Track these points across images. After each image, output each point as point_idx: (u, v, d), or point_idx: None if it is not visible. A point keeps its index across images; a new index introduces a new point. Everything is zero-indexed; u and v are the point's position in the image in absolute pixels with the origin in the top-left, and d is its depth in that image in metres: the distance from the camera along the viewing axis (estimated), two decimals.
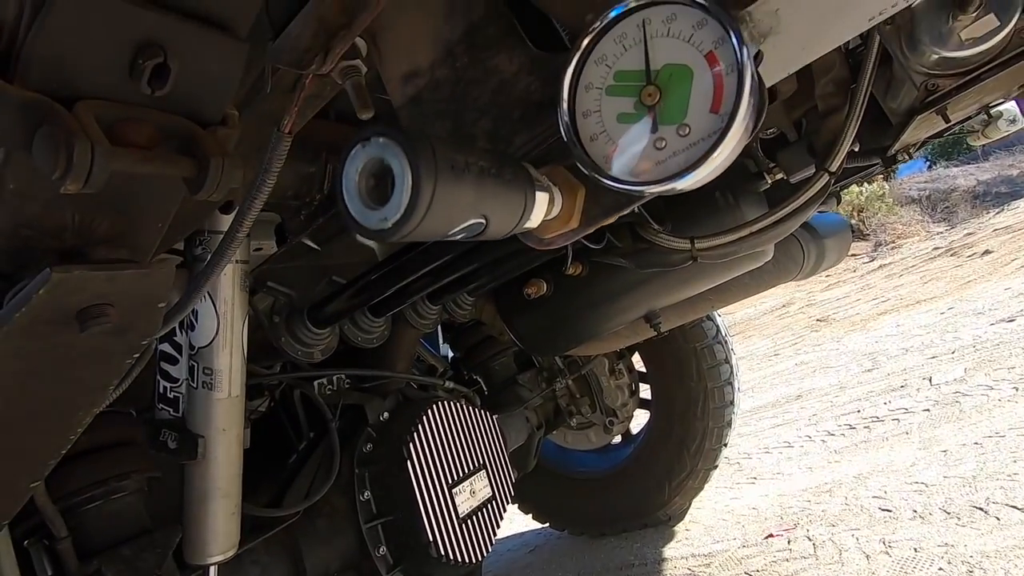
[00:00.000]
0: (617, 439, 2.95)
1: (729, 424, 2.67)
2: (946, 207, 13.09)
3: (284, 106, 0.74)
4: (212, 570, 1.15)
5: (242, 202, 0.64)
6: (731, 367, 2.73)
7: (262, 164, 0.71)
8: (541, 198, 0.36)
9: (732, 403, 2.69)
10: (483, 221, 0.29)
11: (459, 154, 0.26)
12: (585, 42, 0.37)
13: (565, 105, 0.38)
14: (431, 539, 1.48)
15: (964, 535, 1.86)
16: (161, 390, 1.16)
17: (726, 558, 2.29)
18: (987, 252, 7.97)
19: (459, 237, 0.29)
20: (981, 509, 1.98)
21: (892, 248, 11.28)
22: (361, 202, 0.32)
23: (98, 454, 1.16)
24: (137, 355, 0.66)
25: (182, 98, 0.49)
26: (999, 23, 0.85)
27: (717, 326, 2.73)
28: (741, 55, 0.32)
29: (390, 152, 0.24)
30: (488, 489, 1.74)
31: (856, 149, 1.49)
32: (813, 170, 1.13)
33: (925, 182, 15.25)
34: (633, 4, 0.35)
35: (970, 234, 9.83)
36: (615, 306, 1.72)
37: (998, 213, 10.82)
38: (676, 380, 2.70)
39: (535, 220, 0.36)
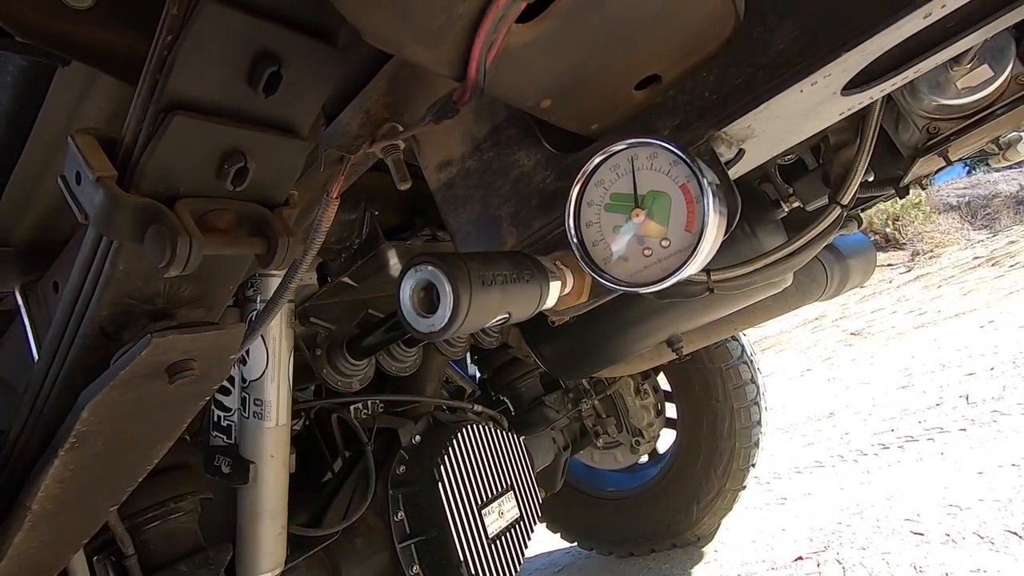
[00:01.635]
0: (644, 458, 2.97)
1: (757, 444, 2.67)
2: (987, 214, 12.65)
3: (331, 174, 0.84)
4: None
5: (294, 259, 0.73)
6: (757, 387, 2.73)
7: (312, 223, 0.81)
8: (554, 286, 0.43)
9: (759, 423, 2.69)
10: (508, 315, 0.37)
11: (488, 269, 0.34)
12: (588, 169, 0.45)
13: (571, 218, 0.46)
14: (462, 559, 1.54)
15: (998, 561, 1.83)
16: (215, 418, 1.26)
17: None
18: None
19: (490, 327, 0.37)
20: (1016, 534, 1.94)
21: (930, 258, 10.95)
22: (415, 312, 0.40)
23: (157, 477, 1.26)
24: (208, 398, 0.75)
25: (255, 189, 0.58)
26: (993, 73, 0.89)
27: (742, 346, 2.74)
28: (703, 193, 0.40)
29: (435, 276, 0.32)
30: (516, 510, 1.80)
31: (871, 179, 1.53)
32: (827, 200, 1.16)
33: (964, 188, 14.75)
34: (624, 144, 0.43)
35: (1013, 242, 9.50)
36: (636, 332, 1.77)
37: None
38: (702, 400, 2.71)
39: (550, 303, 0.44)
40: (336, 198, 0.80)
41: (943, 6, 0.41)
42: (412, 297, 0.40)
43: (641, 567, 2.78)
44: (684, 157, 0.40)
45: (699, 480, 2.70)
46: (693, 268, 0.42)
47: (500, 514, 1.74)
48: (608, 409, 2.84)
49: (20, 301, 1.20)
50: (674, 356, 2.07)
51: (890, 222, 12.39)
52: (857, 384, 4.90)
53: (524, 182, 0.57)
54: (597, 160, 0.44)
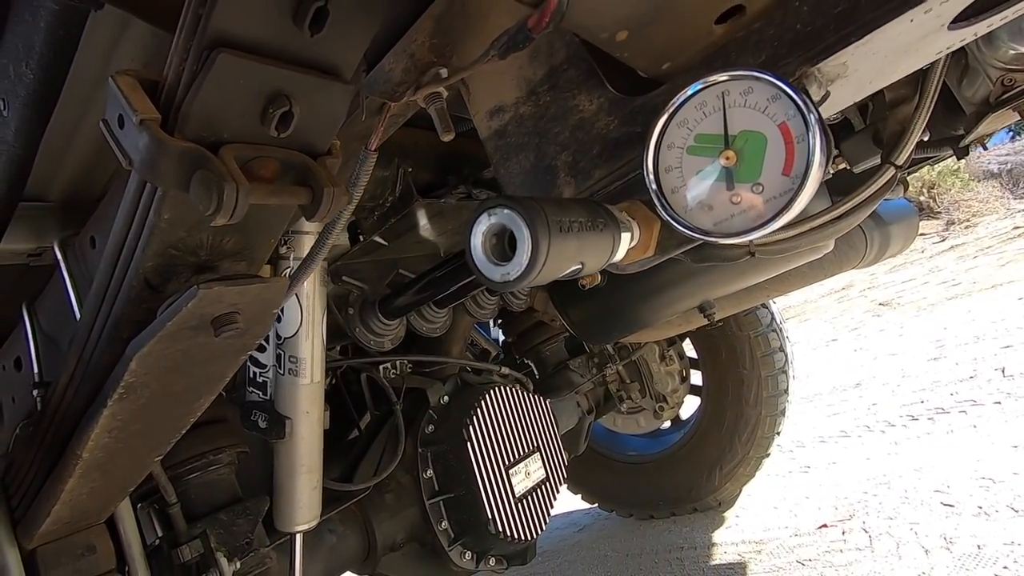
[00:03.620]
0: (667, 424, 2.97)
1: (783, 413, 2.65)
2: None
3: (369, 125, 0.81)
4: (297, 537, 1.27)
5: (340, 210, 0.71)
6: (785, 355, 2.69)
7: (350, 178, 0.79)
8: (625, 237, 0.41)
9: (786, 391, 2.66)
10: (581, 266, 0.34)
11: (564, 215, 0.32)
12: (674, 106, 0.42)
13: (650, 161, 0.42)
14: (490, 516, 1.57)
15: None
16: (251, 375, 1.28)
17: (777, 546, 2.30)
18: None
19: (562, 278, 0.35)
20: None
21: (966, 227, 10.54)
22: (487, 259, 0.38)
23: (196, 430, 1.29)
24: (250, 352, 0.75)
25: (299, 136, 0.56)
26: None
27: (772, 313, 2.70)
28: (808, 132, 0.36)
29: (512, 221, 0.29)
30: (542, 470, 1.82)
31: (926, 139, 1.44)
32: (878, 161, 1.10)
33: (1007, 154, 14.05)
34: (715, 79, 0.39)
35: None
36: (669, 296, 1.74)
37: None
38: (728, 367, 2.69)
39: (620, 256, 0.41)
40: (375, 151, 0.77)
41: None
42: (484, 243, 0.38)
43: (661, 529, 2.82)
44: (790, 91, 0.36)
45: (723, 447, 2.70)
46: (789, 216, 0.39)
47: (527, 474, 1.75)
48: (632, 374, 2.84)
49: (59, 256, 1.21)
50: (705, 322, 2.04)
51: (925, 190, 11.91)
52: (885, 355, 4.81)
53: (584, 128, 0.53)
54: (695, 89, 0.40)
